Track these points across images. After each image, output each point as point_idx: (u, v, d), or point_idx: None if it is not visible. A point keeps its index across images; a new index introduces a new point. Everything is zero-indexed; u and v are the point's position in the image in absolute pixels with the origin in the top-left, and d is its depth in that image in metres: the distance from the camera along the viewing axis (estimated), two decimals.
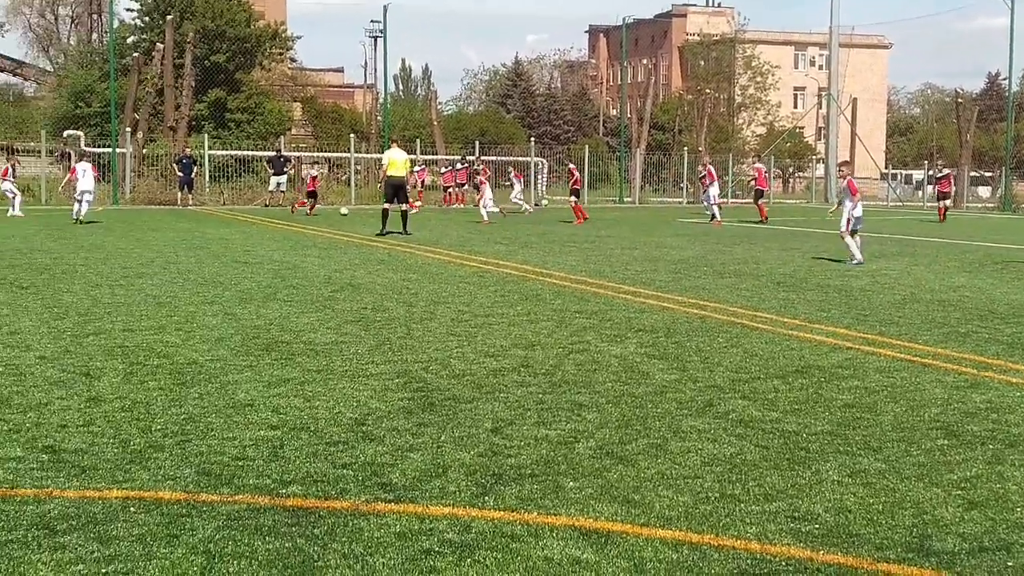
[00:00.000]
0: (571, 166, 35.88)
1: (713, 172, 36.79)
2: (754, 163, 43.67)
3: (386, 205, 26.24)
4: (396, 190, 26.11)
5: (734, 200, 56.63)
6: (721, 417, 7.72)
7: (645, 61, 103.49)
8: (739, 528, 5.43)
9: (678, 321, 12.38)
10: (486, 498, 5.83)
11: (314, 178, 38.51)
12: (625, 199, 53.86)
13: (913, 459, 6.72)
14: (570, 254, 21.35)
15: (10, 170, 34.97)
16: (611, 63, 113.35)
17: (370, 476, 6.18)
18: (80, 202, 29.39)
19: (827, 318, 12.76)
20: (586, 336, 11.19)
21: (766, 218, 36.22)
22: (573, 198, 34.68)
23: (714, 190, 35.89)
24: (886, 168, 73.38)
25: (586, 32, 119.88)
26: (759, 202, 37.77)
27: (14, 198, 33.85)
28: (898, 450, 6.93)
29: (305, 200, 37.71)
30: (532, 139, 56.73)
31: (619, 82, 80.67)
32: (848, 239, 19.73)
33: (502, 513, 5.58)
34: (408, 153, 29.69)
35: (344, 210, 38.34)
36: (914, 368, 9.72)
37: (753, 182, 39.05)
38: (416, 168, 47.86)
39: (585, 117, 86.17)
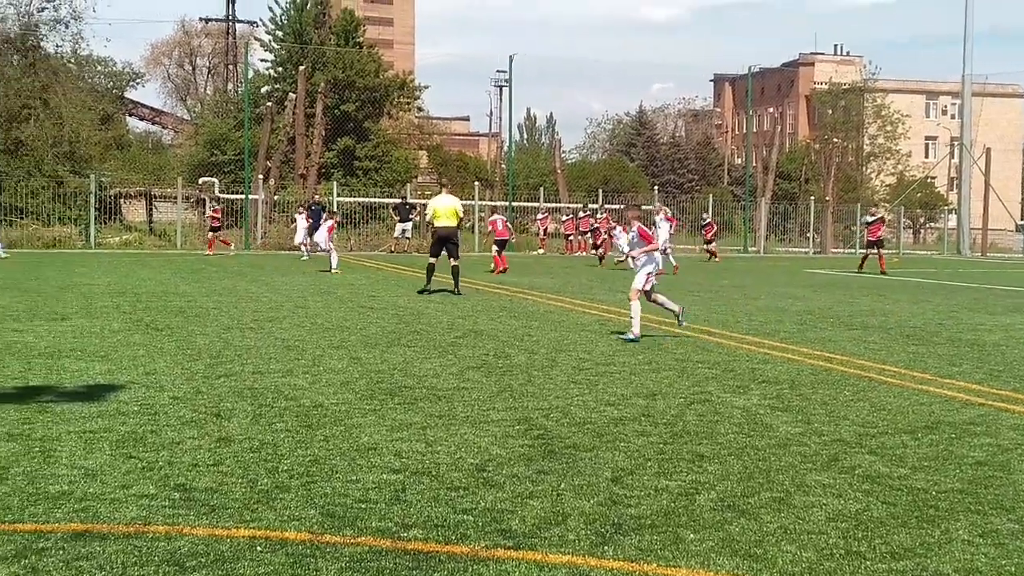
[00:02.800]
0: (493, 217, 34.19)
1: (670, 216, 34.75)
2: (875, 213, 42.73)
3: (431, 260, 22.97)
4: (443, 242, 22.62)
5: (863, 251, 55.62)
6: (847, 472, 7.58)
7: (771, 110, 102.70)
8: None
9: (803, 373, 12.19)
10: (605, 548, 5.81)
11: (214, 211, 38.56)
12: (750, 249, 53.32)
13: None
14: (692, 303, 21.19)
15: None
16: (736, 112, 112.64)
17: (490, 522, 6.22)
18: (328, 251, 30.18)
19: (959, 373, 12.43)
20: (708, 386, 11.09)
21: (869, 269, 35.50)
22: (496, 247, 33.01)
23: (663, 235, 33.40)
24: (1022, 219, 71.28)
25: (711, 81, 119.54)
26: (872, 252, 36.78)
27: None
28: None
29: (225, 240, 37.81)
30: (655, 187, 56.63)
31: (744, 131, 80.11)
32: (635, 303, 15.07)
33: (621, 563, 5.56)
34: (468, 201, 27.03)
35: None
36: None
37: (868, 233, 38.10)
38: (540, 216, 48.17)
39: (709, 166, 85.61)
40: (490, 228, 34.36)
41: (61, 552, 5.53)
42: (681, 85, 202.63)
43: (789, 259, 48.35)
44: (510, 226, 34.18)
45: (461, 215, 23.43)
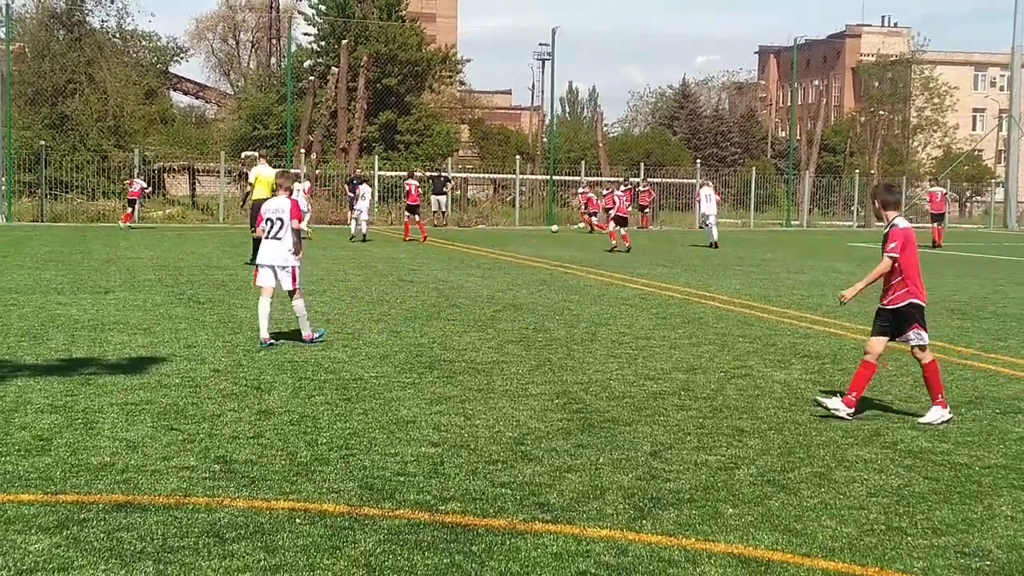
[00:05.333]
0: (408, 181, 33.89)
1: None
2: (931, 186, 42.11)
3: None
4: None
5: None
6: (888, 447, 7.51)
7: (816, 82, 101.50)
8: (905, 562, 5.27)
9: (845, 347, 12.08)
10: (644, 522, 5.79)
11: (138, 187, 37.56)
12: (792, 222, 52.89)
13: None
14: (734, 277, 21.08)
15: None
16: (781, 84, 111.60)
17: (528, 496, 6.22)
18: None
19: (1004, 348, 12.28)
20: (749, 361, 11.02)
21: (939, 244, 35.02)
22: (407, 214, 33.06)
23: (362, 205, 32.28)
24: None
25: (756, 53, 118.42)
26: (936, 226, 36.39)
27: None
28: None
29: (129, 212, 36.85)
30: (698, 161, 56.23)
31: (789, 103, 79.39)
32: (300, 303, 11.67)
33: (660, 537, 5.54)
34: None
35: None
36: None
37: (928, 206, 37.75)
38: (581, 190, 48.02)
39: (753, 139, 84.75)
40: (407, 189, 34.48)
41: (102, 523, 5.59)
42: (725, 58, 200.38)
43: (832, 233, 47.92)
44: (422, 192, 35.36)
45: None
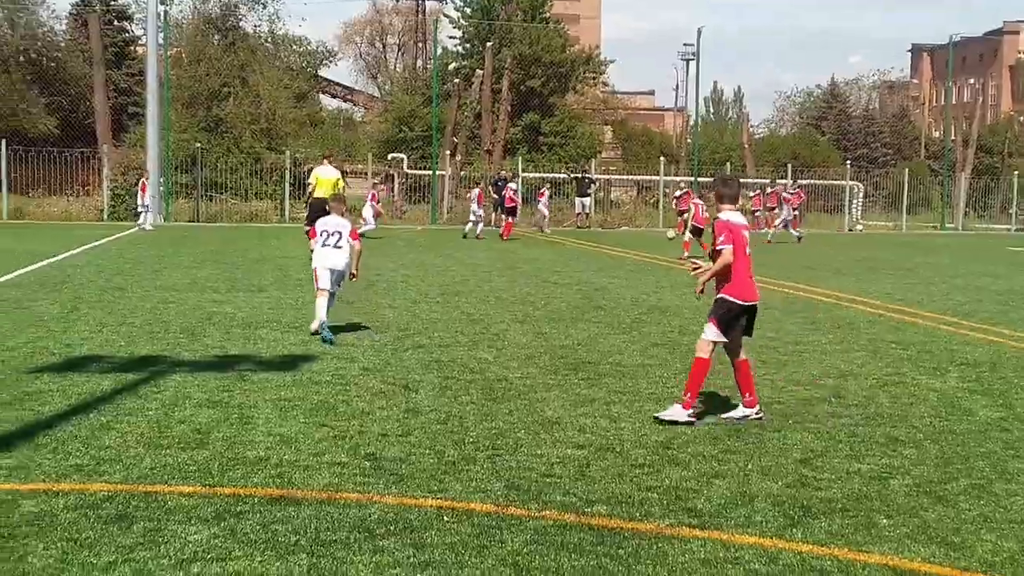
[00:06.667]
0: (509, 185, 35.34)
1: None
2: None
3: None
4: (321, 212, 21.42)
5: None
6: None
7: (972, 81, 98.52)
8: None
9: (1005, 355, 11.67)
10: (794, 530, 5.69)
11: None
12: (947, 225, 51.34)
13: None
14: (885, 281, 20.55)
15: (147, 185, 36.97)
16: (935, 83, 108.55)
17: (675, 500, 6.17)
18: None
19: None
20: (902, 368, 10.73)
21: None
22: (507, 216, 34.40)
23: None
24: None
25: (908, 51, 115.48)
26: None
27: (144, 212, 35.83)
28: None
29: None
30: (848, 162, 55.00)
31: (943, 103, 77.09)
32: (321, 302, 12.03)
33: (811, 547, 5.43)
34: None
35: (671, 233, 39.02)
36: None
37: None
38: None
39: (905, 139, 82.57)
40: (504, 194, 35.41)
41: (258, 515, 5.74)
42: (873, 56, 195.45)
43: (990, 236, 46.36)
44: (519, 195, 36.12)
45: (340, 188, 22.85)
